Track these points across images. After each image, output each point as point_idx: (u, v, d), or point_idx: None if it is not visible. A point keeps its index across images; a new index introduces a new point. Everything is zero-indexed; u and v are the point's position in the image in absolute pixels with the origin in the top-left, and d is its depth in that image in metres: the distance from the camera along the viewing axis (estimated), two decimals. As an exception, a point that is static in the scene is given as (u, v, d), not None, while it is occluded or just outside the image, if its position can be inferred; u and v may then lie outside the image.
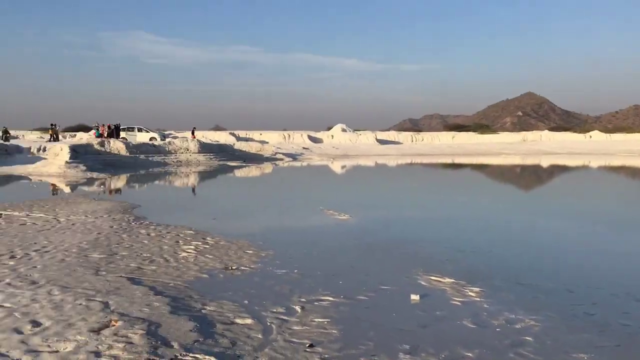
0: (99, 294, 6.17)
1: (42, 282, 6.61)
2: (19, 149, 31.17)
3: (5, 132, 40.92)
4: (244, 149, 42.58)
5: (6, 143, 33.19)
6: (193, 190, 21.96)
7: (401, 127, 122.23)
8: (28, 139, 50.74)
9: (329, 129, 68.03)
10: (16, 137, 51.85)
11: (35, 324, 5.12)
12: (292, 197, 18.42)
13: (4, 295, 6.03)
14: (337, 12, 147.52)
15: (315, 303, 6.23)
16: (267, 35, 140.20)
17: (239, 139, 54.32)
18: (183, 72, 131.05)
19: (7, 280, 6.66)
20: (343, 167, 38.07)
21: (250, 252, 9.00)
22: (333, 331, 5.33)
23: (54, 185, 21.57)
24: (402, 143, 64.54)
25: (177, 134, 52.82)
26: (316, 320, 5.64)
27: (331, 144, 57.81)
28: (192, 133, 46.00)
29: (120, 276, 7.09)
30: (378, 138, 63.55)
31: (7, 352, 4.45)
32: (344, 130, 65.65)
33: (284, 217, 13.47)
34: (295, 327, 5.41)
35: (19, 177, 24.48)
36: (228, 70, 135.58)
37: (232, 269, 7.87)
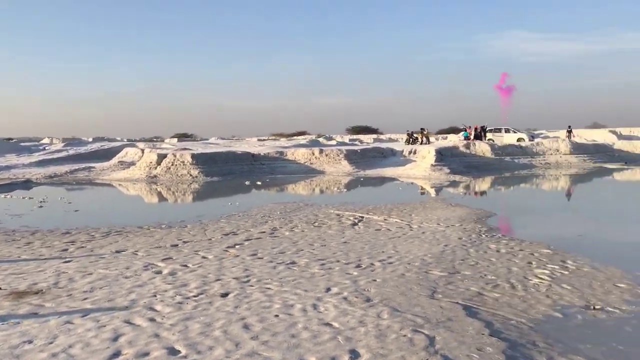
0: (427, 324, 5.49)
1: (375, 300, 6.30)
2: (392, 152, 33.73)
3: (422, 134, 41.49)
4: (625, 149, 37.32)
5: (401, 146, 36.35)
6: (560, 197, 19.81)
7: None
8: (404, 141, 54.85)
9: None
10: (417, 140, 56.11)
11: (354, 354, 4.71)
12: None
13: (337, 311, 5.89)
14: None
15: None
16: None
17: (620, 137, 47.85)
18: (557, 68, 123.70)
19: (345, 294, 6.58)
20: None
21: (623, 285, 7.11)
22: None
23: (419, 187, 22.37)
24: None
25: (548, 134, 49.65)
26: None
27: None
28: (569, 132, 42.22)
29: (457, 302, 6.29)
30: None
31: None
32: None
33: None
34: None
35: (391, 179, 26.30)
36: (609, 61, 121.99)
37: (595, 308, 6.24)
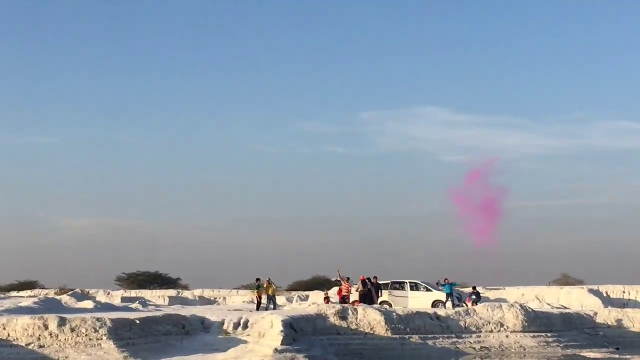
0: None
1: None
2: (203, 325, 19.41)
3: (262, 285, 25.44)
4: (615, 324, 23.78)
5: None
6: None
7: None
8: (231, 303, 38.92)
9: None
10: (216, 301, 40.02)
11: None
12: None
13: None
14: None
15: None
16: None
17: (606, 301, 32.94)
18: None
19: None
20: None
21: None
22: None
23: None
24: None
25: (487, 294, 34.48)
26: None
27: None
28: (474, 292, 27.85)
29: None
30: None
31: None
32: None
33: None
34: None
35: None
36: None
37: None
